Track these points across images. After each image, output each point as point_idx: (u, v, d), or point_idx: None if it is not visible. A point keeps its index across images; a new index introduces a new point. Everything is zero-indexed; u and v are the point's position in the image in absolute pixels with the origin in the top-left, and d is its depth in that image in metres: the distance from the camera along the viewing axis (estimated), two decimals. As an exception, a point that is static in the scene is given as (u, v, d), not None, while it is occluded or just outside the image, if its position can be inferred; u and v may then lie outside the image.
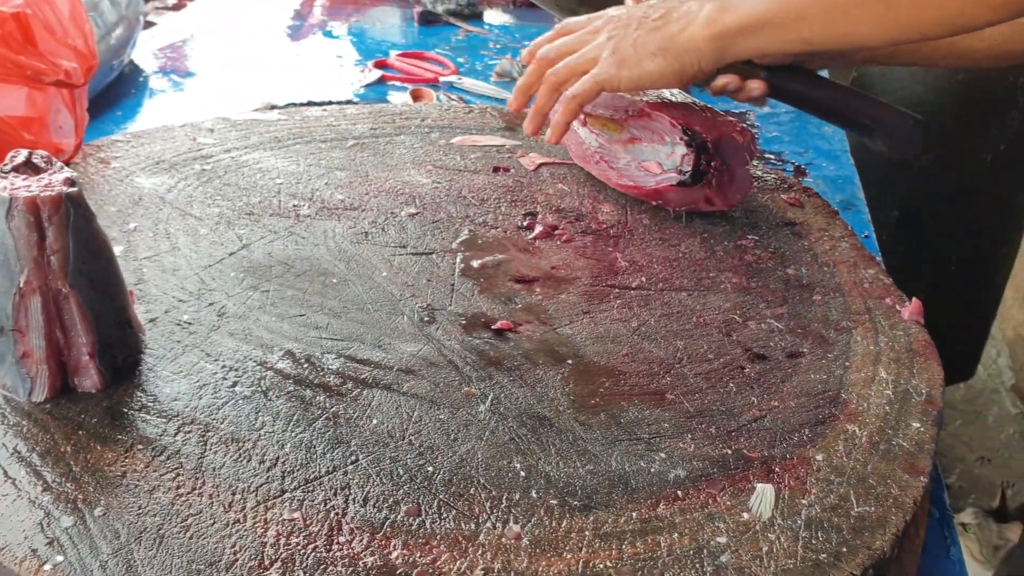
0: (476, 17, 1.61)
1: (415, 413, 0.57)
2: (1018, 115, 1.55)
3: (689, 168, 0.79)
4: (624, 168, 0.84)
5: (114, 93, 1.23)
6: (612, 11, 0.81)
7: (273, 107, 1.03)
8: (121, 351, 0.59)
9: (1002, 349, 2.52)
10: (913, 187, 1.61)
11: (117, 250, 0.71)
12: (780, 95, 0.84)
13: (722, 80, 0.81)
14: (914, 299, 0.70)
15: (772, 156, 1.09)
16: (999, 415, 2.33)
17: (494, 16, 1.66)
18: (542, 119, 0.82)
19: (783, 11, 0.71)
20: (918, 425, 0.58)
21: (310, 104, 1.06)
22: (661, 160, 0.81)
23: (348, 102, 1.09)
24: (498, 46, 1.48)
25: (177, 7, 1.61)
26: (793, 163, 1.08)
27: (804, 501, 0.52)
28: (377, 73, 1.32)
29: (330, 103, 1.07)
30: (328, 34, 1.54)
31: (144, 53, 1.40)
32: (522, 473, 0.53)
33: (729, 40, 0.74)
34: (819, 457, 0.55)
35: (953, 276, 1.65)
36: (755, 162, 0.98)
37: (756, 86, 0.81)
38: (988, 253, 1.67)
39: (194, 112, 1.17)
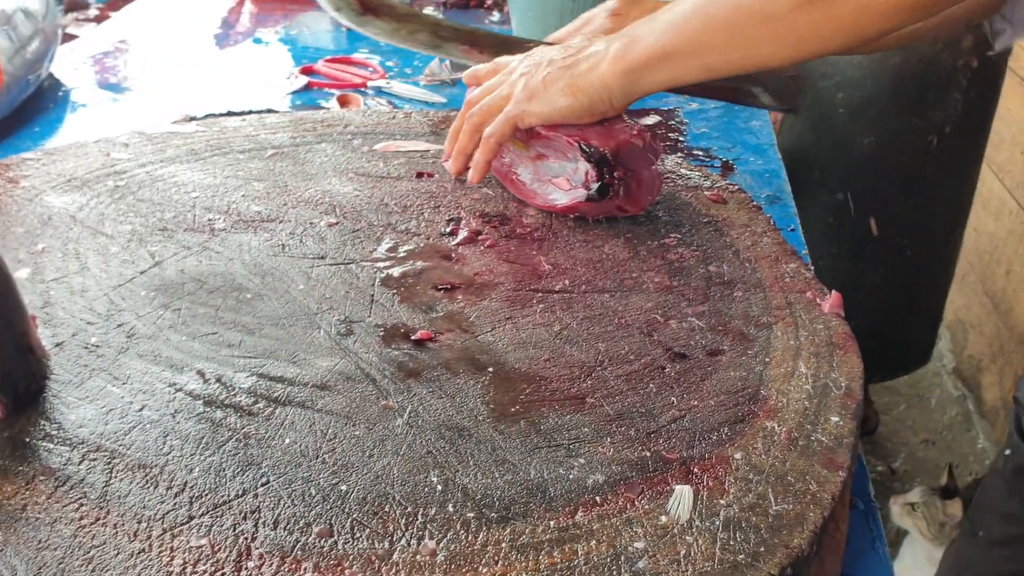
0: (406, 20, 1.60)
1: (330, 430, 0.55)
2: (960, 97, 1.58)
3: (595, 183, 0.79)
4: (536, 186, 0.84)
5: (32, 108, 1.20)
6: (535, 51, 0.84)
7: (192, 119, 1.00)
8: (23, 379, 0.57)
9: (943, 332, 2.56)
10: (857, 170, 1.63)
11: (24, 272, 0.69)
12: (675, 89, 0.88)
13: None
14: (834, 292, 0.71)
15: (700, 152, 1.09)
16: (941, 398, 2.38)
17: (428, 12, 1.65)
18: (465, 160, 0.85)
19: (685, 41, 0.74)
20: (837, 419, 0.58)
21: (229, 115, 1.04)
22: (568, 176, 0.81)
23: (269, 111, 1.07)
24: (427, 49, 1.47)
25: (99, 19, 1.58)
26: (721, 159, 1.09)
27: (722, 501, 0.52)
28: (304, 80, 1.30)
29: (250, 112, 1.05)
30: (257, 41, 1.52)
31: (64, 66, 1.36)
32: (439, 487, 0.52)
33: (637, 75, 0.76)
34: (738, 456, 0.55)
35: (908, 261, 1.67)
36: (678, 157, 0.98)
37: None
38: (941, 237, 1.70)
39: (117, 126, 1.14)
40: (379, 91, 1.29)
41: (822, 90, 1.75)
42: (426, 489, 0.52)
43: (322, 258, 0.73)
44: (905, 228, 1.63)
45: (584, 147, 0.78)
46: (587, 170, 0.79)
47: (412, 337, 0.64)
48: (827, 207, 1.62)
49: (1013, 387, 2.07)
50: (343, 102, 1.23)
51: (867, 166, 1.61)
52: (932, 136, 1.56)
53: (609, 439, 0.56)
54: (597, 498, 0.52)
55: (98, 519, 0.49)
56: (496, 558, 0.48)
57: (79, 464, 0.52)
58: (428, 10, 1.67)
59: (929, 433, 2.25)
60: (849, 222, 1.61)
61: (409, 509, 0.50)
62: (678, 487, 0.52)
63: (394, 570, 0.47)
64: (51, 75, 1.32)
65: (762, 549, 0.49)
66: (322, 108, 1.21)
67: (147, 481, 0.51)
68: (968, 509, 1.06)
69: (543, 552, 0.48)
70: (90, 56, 1.41)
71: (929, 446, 2.20)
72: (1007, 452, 1.02)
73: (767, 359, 0.64)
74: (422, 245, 0.77)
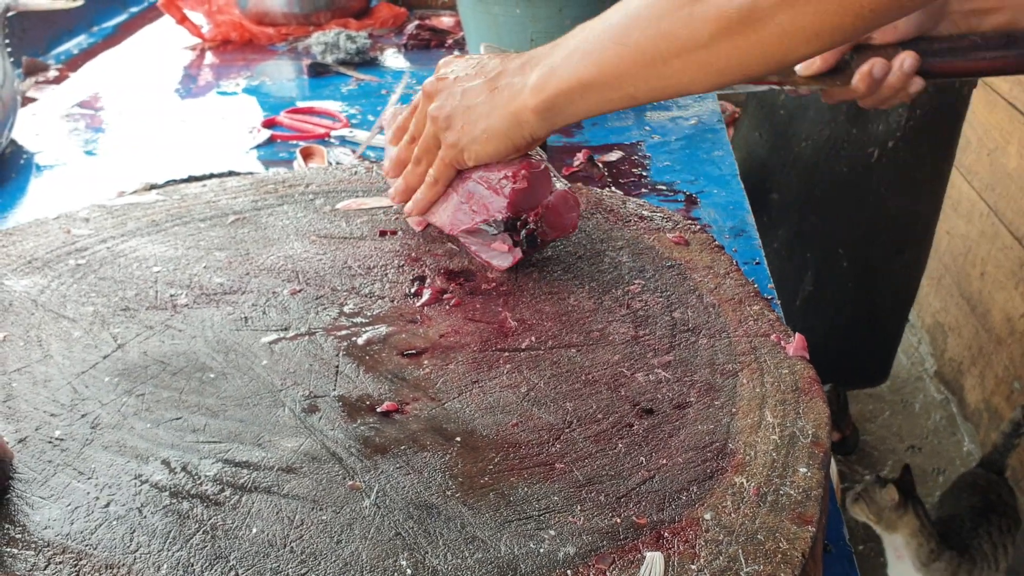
0: (367, 64, 1.60)
1: (296, 516, 0.55)
2: (904, 112, 1.60)
3: (521, 240, 0.81)
4: (480, 250, 0.84)
5: (-5, 178, 1.19)
6: (460, 65, 0.83)
7: (152, 186, 1.00)
8: (-15, 482, 0.56)
9: (923, 337, 2.57)
10: (799, 175, 1.65)
11: (-16, 365, 0.69)
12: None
13: (866, 66, 0.87)
14: (797, 335, 0.71)
15: (664, 187, 1.10)
16: (925, 402, 2.39)
17: (390, 59, 1.66)
18: (410, 193, 0.86)
19: (605, 71, 0.72)
20: (805, 470, 0.58)
21: (190, 179, 1.03)
22: (502, 240, 0.82)
23: (230, 173, 1.07)
24: (390, 93, 1.47)
25: (59, 79, 1.57)
26: (685, 192, 1.09)
27: (694, 567, 0.52)
28: (266, 133, 1.30)
29: (211, 176, 1.05)
30: (222, 93, 1.52)
31: (25, 131, 1.36)
32: (409, 571, 0.51)
33: (557, 107, 0.75)
34: (708, 516, 0.55)
35: (873, 274, 1.68)
36: (640, 200, 0.98)
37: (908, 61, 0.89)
38: (894, 250, 1.70)
39: (82, 189, 1.14)
40: (343, 140, 1.29)
41: (766, 91, 1.77)
42: (396, 574, 0.51)
43: (285, 329, 0.73)
44: (860, 239, 1.64)
45: (489, 225, 0.81)
46: (505, 236, 0.81)
47: (378, 409, 0.64)
48: (780, 210, 1.64)
49: (995, 389, 2.08)
50: (307, 154, 1.23)
51: (806, 171, 1.63)
52: (873, 149, 1.57)
53: (579, 507, 0.56)
54: (569, 572, 0.51)
55: (65, 627, 0.48)
56: (468, 643, 0.47)
57: (45, 569, 0.52)
58: (390, 52, 1.67)
59: (915, 439, 2.26)
60: (793, 227, 1.63)
61: (379, 596, 0.50)
62: (649, 554, 0.52)
63: (366, 663, 0.46)
64: (13, 141, 1.32)
65: (734, 615, 0.49)
66: (286, 163, 1.20)
67: (114, 583, 0.51)
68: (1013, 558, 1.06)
69: (515, 633, 0.48)
70: (52, 119, 1.40)
71: (915, 452, 2.21)
72: None
73: (734, 409, 0.64)
74: (387, 308, 0.77)
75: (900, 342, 1.85)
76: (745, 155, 1.69)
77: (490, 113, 0.78)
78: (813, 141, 1.65)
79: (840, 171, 1.61)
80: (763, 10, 0.64)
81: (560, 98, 0.75)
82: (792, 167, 1.69)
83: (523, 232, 0.81)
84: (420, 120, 0.85)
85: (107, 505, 0.56)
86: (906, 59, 0.89)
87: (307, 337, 0.72)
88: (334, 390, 0.66)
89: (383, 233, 0.88)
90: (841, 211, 1.61)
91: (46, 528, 0.55)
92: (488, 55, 0.83)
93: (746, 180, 1.14)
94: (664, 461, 0.60)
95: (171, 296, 0.77)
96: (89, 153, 1.28)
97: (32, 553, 0.53)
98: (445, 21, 1.81)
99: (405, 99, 1.39)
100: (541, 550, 0.53)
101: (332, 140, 1.29)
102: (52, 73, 1.59)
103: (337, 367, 0.69)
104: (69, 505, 0.56)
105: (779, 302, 0.86)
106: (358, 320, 0.75)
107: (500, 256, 0.82)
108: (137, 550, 0.53)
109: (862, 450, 2.21)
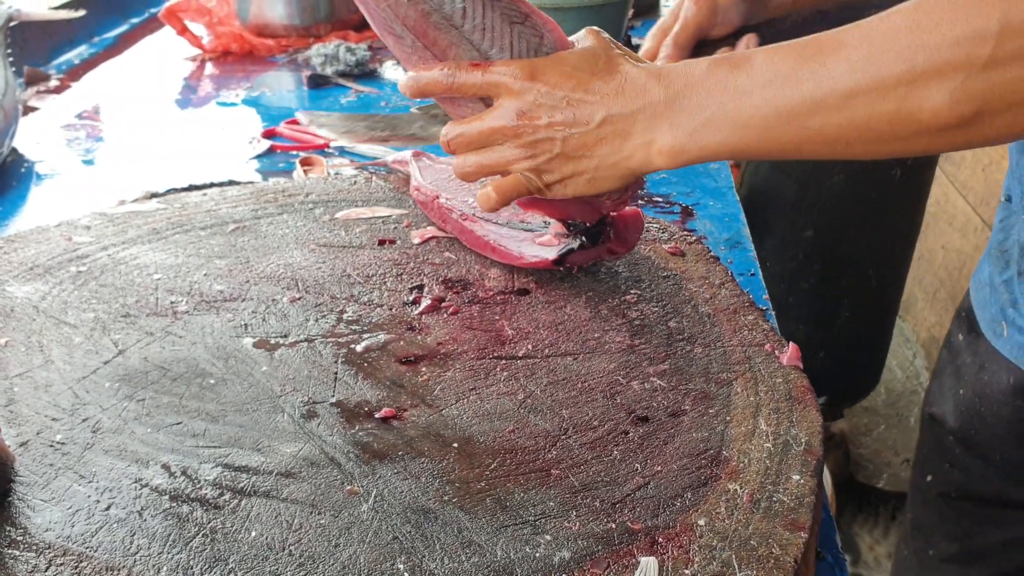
0: (366, 76, 1.62)
1: (295, 520, 0.56)
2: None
3: (587, 235, 0.79)
4: (508, 243, 0.84)
5: (-4, 186, 1.20)
6: (552, 93, 0.67)
7: (153, 195, 1.01)
8: (-13, 485, 0.57)
9: (917, 351, 2.58)
10: (825, 207, 1.67)
11: (-14, 370, 0.69)
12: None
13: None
14: (791, 344, 0.72)
15: (660, 199, 1.11)
16: (920, 416, 2.39)
17: (389, 72, 1.67)
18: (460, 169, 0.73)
19: (770, 145, 0.63)
20: (798, 477, 0.59)
21: (191, 188, 1.04)
22: (556, 231, 0.82)
23: (230, 182, 1.08)
24: (389, 105, 1.48)
25: (60, 89, 1.58)
26: (680, 204, 1.10)
27: (687, 571, 0.52)
28: (266, 143, 1.31)
29: (211, 185, 1.06)
30: (221, 104, 1.53)
31: (27, 140, 1.37)
32: (406, 575, 0.52)
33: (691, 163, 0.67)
34: (701, 522, 0.56)
35: (873, 290, 1.70)
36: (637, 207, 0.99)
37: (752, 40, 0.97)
38: (898, 261, 1.73)
39: (82, 198, 1.15)
40: (342, 151, 1.30)
41: None
42: (393, 577, 0.52)
43: (285, 336, 0.74)
44: (869, 258, 1.66)
45: (569, 225, 0.80)
46: (560, 230, 0.81)
47: (376, 415, 0.65)
48: (797, 244, 1.65)
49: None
50: (306, 164, 1.24)
51: (836, 203, 1.65)
52: (896, 169, 1.59)
53: (575, 512, 0.57)
54: (563, 576, 0.52)
55: (65, 628, 0.49)
56: (464, 645, 0.48)
57: (46, 571, 0.52)
58: (389, 64, 1.69)
59: (909, 452, 2.26)
60: (819, 258, 1.64)
61: (377, 599, 0.50)
62: (643, 559, 0.53)
63: (363, 665, 0.47)
64: (14, 150, 1.32)
65: (727, 619, 0.49)
66: (286, 173, 1.21)
67: (114, 585, 0.51)
68: (911, 530, 1.07)
69: (511, 636, 0.48)
70: (53, 128, 1.41)
71: (910, 465, 2.22)
72: (928, 478, 1.02)
73: (728, 418, 0.65)
74: (385, 316, 0.77)
75: (888, 351, 1.87)
76: (739, 170, 1.71)
77: (598, 167, 0.68)
78: (846, 174, 1.66)
79: (869, 196, 1.63)
80: (987, 114, 0.56)
81: (701, 160, 0.66)
82: (786, 181, 1.70)
83: (594, 230, 0.78)
84: (497, 129, 0.70)
85: (108, 508, 0.57)
86: (749, 40, 0.98)
87: (306, 344, 0.73)
88: (333, 396, 0.67)
89: (382, 242, 0.89)
90: (870, 233, 1.64)
91: (47, 530, 0.55)
92: (581, 64, 0.68)
93: (739, 194, 1.16)
94: (659, 468, 0.60)
95: (171, 303, 0.78)
96: (89, 162, 1.29)
97: (33, 555, 0.53)
98: (444, 34, 1.82)
99: (403, 111, 1.40)
100: (537, 555, 0.53)
101: (332, 151, 1.30)
102: (53, 83, 1.60)
103: (336, 373, 0.70)
104: (70, 508, 0.57)
105: (773, 312, 0.87)
106: (357, 327, 0.75)
107: (539, 249, 0.81)
108: (137, 553, 0.53)
109: (856, 463, 2.21)
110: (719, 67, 0.64)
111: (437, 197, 0.91)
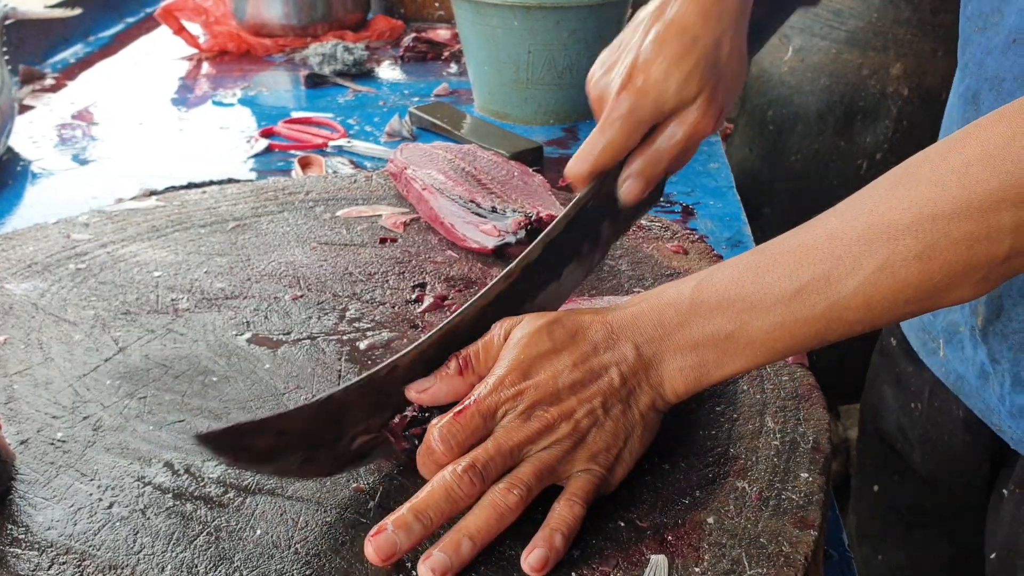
0: (364, 76, 1.61)
1: (301, 518, 0.55)
2: (891, 124, 1.62)
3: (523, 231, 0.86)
4: (461, 226, 0.88)
5: (-8, 185, 1.19)
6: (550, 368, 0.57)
7: (152, 193, 1.00)
8: (-12, 483, 0.56)
9: (912, 351, 2.59)
10: (790, 188, 1.68)
11: (-15, 367, 0.69)
12: None
13: None
14: (797, 342, 0.71)
15: (661, 198, 1.10)
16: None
17: (386, 71, 1.66)
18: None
19: (796, 348, 0.56)
20: (806, 475, 0.59)
21: (190, 186, 1.04)
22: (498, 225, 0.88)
23: (229, 180, 1.07)
24: (387, 105, 1.48)
25: (55, 88, 1.57)
26: (681, 203, 1.10)
27: (697, 569, 0.52)
28: (264, 143, 1.31)
29: (210, 183, 1.05)
30: (218, 103, 1.52)
31: (22, 139, 1.36)
32: (414, 573, 0.52)
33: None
34: (711, 520, 0.55)
35: None
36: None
37: None
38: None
39: (79, 197, 1.14)
40: (340, 150, 1.29)
41: (756, 107, 1.80)
42: (400, 575, 0.51)
43: (287, 334, 0.73)
44: None
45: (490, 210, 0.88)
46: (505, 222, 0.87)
47: (381, 413, 0.64)
48: (771, 223, 1.66)
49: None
50: (304, 164, 1.23)
51: (797, 184, 1.66)
52: (861, 160, 1.60)
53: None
54: (573, 574, 0.52)
55: (69, 627, 0.48)
56: (474, 644, 0.47)
57: (48, 569, 0.52)
58: (387, 64, 1.68)
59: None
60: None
61: (384, 597, 0.50)
62: (653, 557, 0.53)
63: (371, 663, 0.46)
64: (10, 149, 1.31)
65: (738, 617, 0.49)
66: (284, 172, 1.21)
67: (118, 583, 0.51)
68: (856, 537, 1.04)
69: (521, 634, 0.48)
70: (48, 127, 1.40)
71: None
72: (875, 488, 0.97)
73: (735, 415, 0.64)
74: (388, 314, 0.77)
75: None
76: (737, 170, 1.71)
77: (614, 431, 0.57)
78: (803, 155, 1.67)
79: (830, 183, 1.63)
80: (1014, 256, 0.50)
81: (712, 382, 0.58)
82: (783, 180, 1.71)
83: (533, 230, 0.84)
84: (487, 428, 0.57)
85: (110, 506, 0.56)
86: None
87: (309, 342, 0.72)
88: (336, 394, 0.66)
89: (383, 240, 0.89)
90: None
91: (49, 529, 0.54)
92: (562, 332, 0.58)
93: (739, 194, 1.15)
94: (666, 466, 0.60)
95: (172, 300, 0.77)
96: (84, 161, 1.28)
97: (36, 553, 0.53)
98: (442, 34, 1.81)
99: (401, 110, 1.39)
100: (545, 552, 0.53)
101: (330, 150, 1.29)
102: (49, 81, 1.59)
103: (339, 371, 0.69)
104: (72, 506, 0.56)
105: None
106: (359, 325, 0.75)
107: (482, 236, 0.86)
108: (140, 551, 0.53)
109: (854, 463, 2.21)
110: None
111: (406, 168, 0.97)
